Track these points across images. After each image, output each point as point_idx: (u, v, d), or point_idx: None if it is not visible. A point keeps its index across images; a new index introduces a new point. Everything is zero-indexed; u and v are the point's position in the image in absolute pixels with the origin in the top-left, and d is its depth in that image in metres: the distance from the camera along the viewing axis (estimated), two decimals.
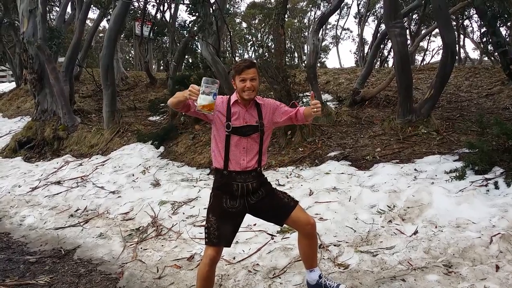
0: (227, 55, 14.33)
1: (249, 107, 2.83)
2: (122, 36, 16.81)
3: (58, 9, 15.62)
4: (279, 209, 2.89)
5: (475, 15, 16.66)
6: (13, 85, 18.75)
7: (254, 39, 32.45)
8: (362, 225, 4.15)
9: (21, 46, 11.34)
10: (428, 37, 19.91)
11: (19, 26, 12.86)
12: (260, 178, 2.88)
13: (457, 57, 8.41)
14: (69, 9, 14.24)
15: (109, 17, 13.54)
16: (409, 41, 12.86)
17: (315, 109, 2.68)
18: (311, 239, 2.96)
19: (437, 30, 11.86)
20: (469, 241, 3.47)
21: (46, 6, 10.57)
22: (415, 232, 3.84)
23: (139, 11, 15.46)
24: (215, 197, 2.87)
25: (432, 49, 39.96)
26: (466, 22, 20.45)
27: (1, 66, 23.74)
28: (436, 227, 3.84)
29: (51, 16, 17.78)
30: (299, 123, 3.10)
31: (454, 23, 15.66)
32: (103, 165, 7.78)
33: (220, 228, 2.77)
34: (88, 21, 15.47)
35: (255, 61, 3.08)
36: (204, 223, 3.34)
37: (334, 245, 3.85)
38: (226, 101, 2.85)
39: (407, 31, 14.24)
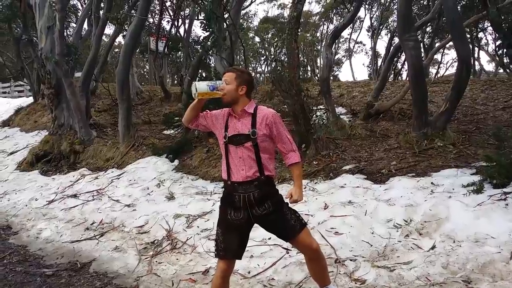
0: None
1: (241, 117, 2.84)
2: (137, 51, 17.06)
3: (74, 25, 15.95)
4: (284, 230, 2.85)
5: (490, 28, 16.59)
6: (30, 99, 19.04)
7: (267, 53, 32.68)
8: (379, 240, 4.11)
9: (39, 62, 11.59)
10: (442, 50, 19.81)
11: (37, 43, 13.15)
12: (264, 188, 2.79)
13: (472, 69, 8.37)
14: (85, 26, 14.50)
15: (124, 33, 13.76)
16: (423, 54, 12.82)
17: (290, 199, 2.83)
18: (316, 261, 2.94)
19: (451, 43, 11.83)
20: (488, 256, 3.41)
21: (63, 23, 10.79)
22: (433, 247, 3.79)
23: (154, 27, 15.69)
24: (220, 210, 2.90)
25: (446, 61, 39.70)
26: (481, 34, 20.34)
27: (19, 81, 24.24)
28: (454, 241, 3.78)
29: (68, 32, 18.13)
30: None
31: (468, 35, 15.58)
32: (119, 178, 7.84)
33: (226, 241, 2.79)
34: (104, 37, 15.71)
35: (238, 68, 3.10)
36: None
37: (351, 260, 3.81)
38: (226, 113, 2.93)
39: (421, 44, 14.19)
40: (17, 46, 17.91)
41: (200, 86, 2.80)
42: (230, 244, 2.79)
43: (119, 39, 18.96)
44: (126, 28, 12.89)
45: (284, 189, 5.81)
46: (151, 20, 16.11)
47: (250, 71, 11.58)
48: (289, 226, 2.82)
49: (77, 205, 6.87)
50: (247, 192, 2.76)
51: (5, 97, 25.54)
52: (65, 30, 12.55)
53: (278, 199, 2.86)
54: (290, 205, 2.90)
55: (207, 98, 2.89)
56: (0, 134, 14.75)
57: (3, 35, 20.91)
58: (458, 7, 8.94)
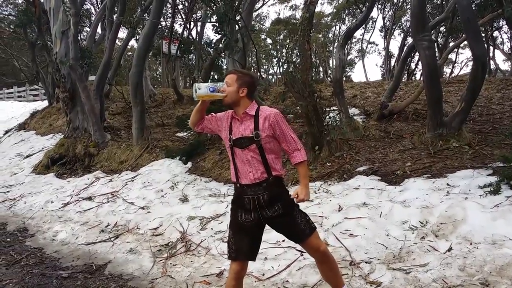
0: (253, 71, 14.45)
1: (244, 119, 2.84)
2: (150, 54, 17.18)
3: (88, 29, 16.14)
4: (294, 233, 2.87)
5: (505, 26, 16.37)
6: (45, 103, 19.32)
7: (279, 54, 32.66)
8: (394, 242, 4.07)
9: (53, 66, 11.74)
10: (457, 49, 19.60)
11: (52, 47, 13.32)
12: (273, 189, 2.79)
13: (487, 69, 8.25)
14: (99, 30, 14.66)
15: (137, 37, 13.87)
16: (437, 54, 12.69)
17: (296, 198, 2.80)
18: (325, 263, 2.94)
19: (465, 42, 11.68)
20: (506, 258, 3.35)
21: (77, 27, 10.92)
22: (449, 249, 3.73)
23: (167, 30, 15.79)
24: (232, 212, 2.92)
25: (461, 61, 39.24)
26: (496, 33, 20.09)
27: (34, 85, 24.59)
28: (471, 243, 3.72)
29: (82, 37, 18.34)
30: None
31: (483, 34, 15.39)
32: (133, 180, 7.90)
33: (237, 242, 2.80)
34: (117, 41, 15.86)
35: (239, 70, 3.10)
36: None
37: (366, 262, 3.78)
38: (229, 116, 2.93)
39: (435, 43, 14.05)
40: (32, 51, 18.18)
41: (200, 88, 2.79)
42: (242, 245, 2.79)
43: (132, 42, 19.14)
44: (139, 31, 12.98)
45: None
46: (163, 23, 16.21)
47: (255, 72, 11.55)
48: (299, 230, 2.83)
49: (92, 208, 6.94)
50: (257, 194, 2.77)
51: (21, 101, 25.97)
52: (79, 35, 12.67)
53: (288, 202, 2.85)
54: (300, 207, 2.90)
55: (208, 100, 2.91)
56: (16, 138, 14.99)
57: (18, 40, 21.27)
58: (473, 6, 8.84)
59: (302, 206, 5.15)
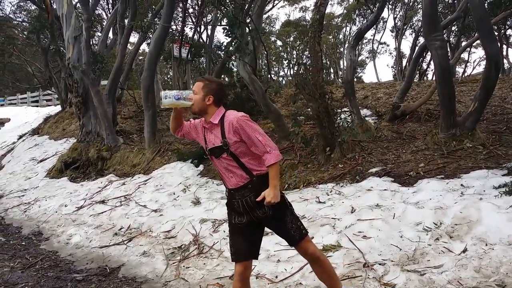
0: (263, 73, 14.46)
1: (212, 128, 2.82)
2: (161, 58, 17.30)
3: (100, 34, 16.29)
4: (285, 237, 2.93)
5: None
6: (58, 108, 19.54)
7: (289, 56, 32.64)
8: (408, 243, 4.02)
9: (66, 71, 11.88)
10: (469, 49, 19.38)
11: (64, 52, 13.50)
12: (259, 188, 2.75)
13: (500, 68, 8.14)
14: (110, 34, 14.79)
15: (149, 41, 13.97)
16: (449, 53, 12.57)
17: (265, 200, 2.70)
18: (317, 265, 2.97)
19: (478, 41, 11.55)
20: None
21: (90, 33, 11.03)
22: (464, 250, 3.68)
23: (177, 34, 15.87)
24: (228, 215, 2.97)
25: (474, 60, 38.78)
26: (509, 31, 19.82)
27: (47, 90, 24.89)
28: (486, 244, 3.67)
29: (94, 42, 18.53)
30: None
31: (496, 33, 15.20)
32: (145, 184, 7.94)
33: (235, 244, 2.86)
34: (129, 45, 15.98)
35: (207, 77, 3.05)
36: None
37: (379, 264, 3.75)
38: (202, 125, 2.94)
39: (447, 43, 13.93)
40: (45, 56, 18.43)
41: (166, 97, 2.80)
42: (239, 246, 2.84)
43: (143, 46, 19.30)
44: (150, 36, 13.07)
45: (309, 193, 5.78)
46: (174, 27, 16.30)
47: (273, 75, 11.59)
48: (290, 235, 2.87)
49: (105, 211, 6.99)
50: (244, 197, 2.79)
51: (35, 106, 26.30)
52: (91, 40, 12.82)
53: (278, 206, 2.78)
54: (312, 209, 2.90)
55: (180, 108, 2.91)
56: (30, 142, 15.16)
57: (31, 46, 21.59)
58: (485, 4, 8.74)
59: (314, 208, 5.15)
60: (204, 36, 18.63)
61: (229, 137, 2.74)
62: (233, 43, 8.15)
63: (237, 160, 2.76)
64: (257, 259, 2.97)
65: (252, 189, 2.77)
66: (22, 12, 23.51)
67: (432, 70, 17.71)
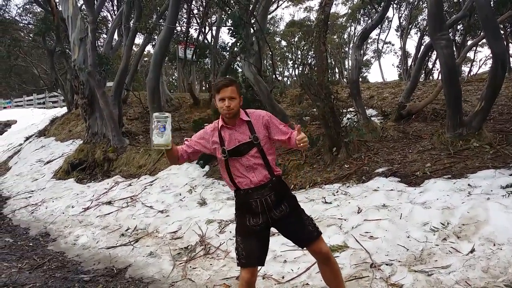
0: (268, 73, 14.46)
1: (237, 126, 2.81)
2: (166, 59, 17.35)
3: (105, 36, 16.37)
4: (302, 235, 2.85)
5: None
6: (64, 110, 19.65)
7: (294, 57, 32.62)
8: (415, 244, 4.01)
9: (72, 73, 11.95)
10: (475, 48, 19.29)
11: (70, 54, 13.56)
12: (278, 188, 2.81)
13: (507, 67, 8.07)
14: (116, 36, 14.85)
15: (154, 42, 14.02)
16: (455, 53, 12.51)
17: (301, 144, 2.64)
18: (327, 265, 2.93)
19: (484, 40, 11.49)
20: None
21: (95, 34, 11.08)
22: (472, 250, 3.66)
23: (182, 35, 15.92)
24: (238, 218, 2.89)
25: (480, 59, 38.60)
26: None
27: (53, 92, 25.03)
28: (494, 244, 3.65)
29: (99, 43, 18.62)
30: (290, 147, 2.96)
31: (502, 32, 15.12)
32: (151, 185, 7.96)
33: (247, 248, 2.77)
34: (134, 47, 16.05)
35: (234, 79, 2.99)
36: None
37: (386, 264, 3.74)
38: (214, 128, 2.88)
39: (453, 42, 13.86)
40: (51, 58, 18.54)
41: (154, 140, 2.75)
42: (252, 251, 2.77)
43: (149, 48, 19.37)
44: (155, 37, 13.11)
45: (315, 193, 5.77)
46: (179, 28, 16.35)
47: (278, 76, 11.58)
48: (307, 231, 2.83)
49: (112, 212, 7.02)
50: (264, 196, 2.77)
51: (41, 107, 26.46)
52: (96, 41, 12.87)
53: (294, 203, 2.88)
54: (319, 209, 2.88)
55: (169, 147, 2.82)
56: (37, 144, 15.25)
57: (37, 48, 21.73)
58: (491, 3, 8.69)
59: (320, 208, 5.14)
60: (209, 37, 18.71)
61: (259, 132, 2.79)
62: (238, 44, 8.17)
63: (264, 157, 2.78)
64: (264, 265, 2.92)
65: (272, 189, 2.78)
66: (28, 15, 23.68)
67: (437, 69, 17.66)
